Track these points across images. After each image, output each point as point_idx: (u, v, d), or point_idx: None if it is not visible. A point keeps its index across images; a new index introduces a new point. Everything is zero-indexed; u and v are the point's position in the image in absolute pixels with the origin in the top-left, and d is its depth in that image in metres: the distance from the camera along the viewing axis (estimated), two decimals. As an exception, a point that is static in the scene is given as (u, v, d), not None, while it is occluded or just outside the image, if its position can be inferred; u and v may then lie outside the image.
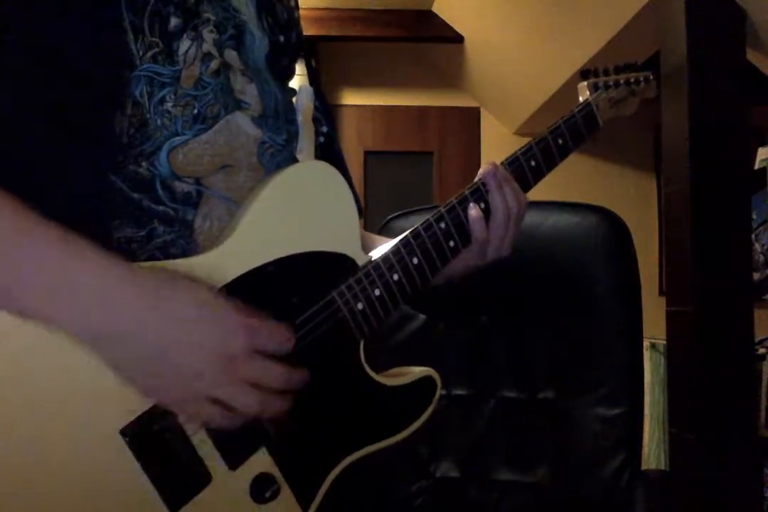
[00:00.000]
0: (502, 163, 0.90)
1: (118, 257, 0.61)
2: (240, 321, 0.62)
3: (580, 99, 1.00)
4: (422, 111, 3.82)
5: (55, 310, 0.57)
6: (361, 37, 3.42)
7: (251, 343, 0.62)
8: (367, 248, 0.84)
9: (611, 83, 1.02)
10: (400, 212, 1.33)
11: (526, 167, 0.91)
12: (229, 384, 0.61)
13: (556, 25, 2.68)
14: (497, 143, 3.77)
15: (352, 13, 3.40)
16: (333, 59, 3.64)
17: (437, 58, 3.75)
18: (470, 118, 3.84)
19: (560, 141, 0.94)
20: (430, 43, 3.54)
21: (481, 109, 3.84)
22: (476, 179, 0.89)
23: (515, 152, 0.91)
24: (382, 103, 3.80)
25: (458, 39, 3.38)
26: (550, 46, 2.83)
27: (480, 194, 0.87)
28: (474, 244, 0.86)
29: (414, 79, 3.80)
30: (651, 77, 1.07)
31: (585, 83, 1.01)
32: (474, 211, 0.85)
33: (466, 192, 0.87)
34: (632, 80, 1.04)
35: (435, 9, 3.39)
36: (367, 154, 3.75)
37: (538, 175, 0.93)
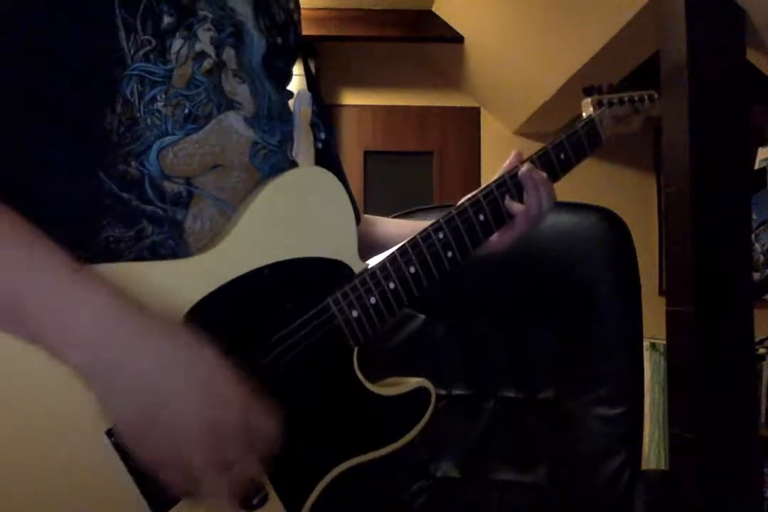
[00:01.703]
0: (503, 176, 0.91)
1: (128, 297, 0.60)
2: (240, 396, 0.61)
3: (584, 115, 1.01)
4: (422, 111, 3.81)
5: (57, 340, 0.56)
6: (361, 37, 3.41)
7: (244, 424, 0.60)
8: (377, 234, 0.83)
9: (615, 100, 1.02)
10: (400, 212, 1.34)
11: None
12: (202, 458, 0.59)
13: (556, 26, 2.68)
14: (497, 143, 3.76)
15: (352, 13, 3.39)
16: (333, 59, 3.64)
17: (437, 58, 3.75)
18: (470, 118, 3.84)
19: (562, 156, 0.95)
20: (430, 43, 3.53)
21: (481, 109, 3.84)
22: (484, 187, 0.90)
23: (517, 165, 0.92)
24: (382, 103, 3.80)
25: (458, 39, 3.38)
26: (550, 47, 2.83)
27: (480, 207, 0.87)
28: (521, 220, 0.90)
29: (414, 79, 3.80)
30: (655, 96, 1.07)
31: (589, 100, 1.01)
32: (509, 202, 0.90)
33: (467, 204, 0.87)
34: (636, 98, 1.04)
35: (435, 9, 3.39)
36: (367, 154, 3.75)
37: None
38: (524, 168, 0.90)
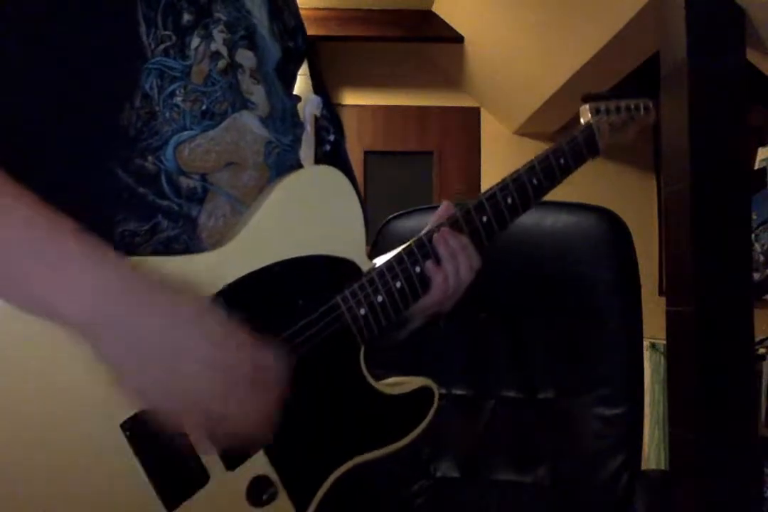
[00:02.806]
0: (505, 180, 0.90)
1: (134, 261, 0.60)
2: (246, 338, 0.62)
3: (582, 122, 1.01)
4: (422, 111, 3.81)
5: (58, 296, 0.57)
6: (361, 37, 3.41)
7: (254, 375, 0.61)
8: None
9: (613, 108, 1.02)
10: (400, 212, 1.34)
11: (528, 185, 0.91)
12: (221, 404, 0.60)
13: (556, 25, 2.68)
14: (497, 143, 3.76)
15: (352, 13, 3.40)
16: (333, 59, 3.64)
17: (437, 58, 3.75)
18: (470, 118, 3.84)
19: (562, 161, 0.94)
20: (430, 43, 3.53)
21: (481, 109, 3.84)
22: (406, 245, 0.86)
23: (518, 170, 0.91)
24: (382, 103, 3.80)
25: (458, 39, 3.38)
26: (550, 46, 2.83)
27: (401, 269, 0.83)
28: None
29: (414, 79, 3.80)
30: (651, 105, 1.07)
31: (587, 106, 1.01)
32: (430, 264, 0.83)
33: (470, 206, 0.87)
34: (632, 106, 1.05)
35: (435, 9, 3.39)
36: (367, 154, 3.75)
37: (539, 192, 0.93)
38: (439, 234, 0.84)
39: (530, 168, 0.91)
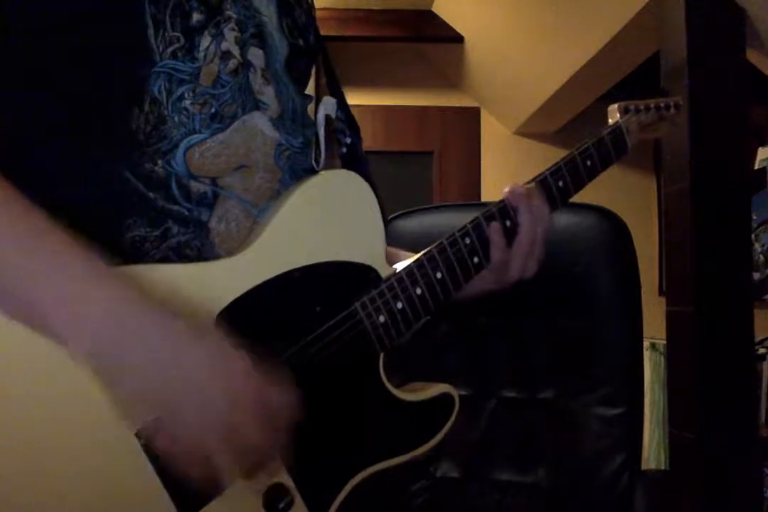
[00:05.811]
0: (531, 181, 0.89)
1: (139, 288, 0.59)
2: (254, 390, 0.60)
3: (610, 121, 1.00)
4: (422, 111, 3.81)
5: (65, 330, 0.56)
6: (361, 37, 3.41)
7: (259, 415, 0.60)
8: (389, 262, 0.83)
9: (642, 107, 1.01)
10: (400, 212, 1.33)
11: (554, 187, 0.91)
12: (220, 451, 0.59)
13: (556, 25, 2.68)
14: (497, 143, 3.76)
15: (352, 13, 3.39)
16: (333, 59, 3.64)
17: (437, 58, 3.75)
18: (470, 118, 3.84)
19: (589, 162, 0.93)
20: (430, 43, 3.53)
21: (481, 109, 3.84)
22: (504, 197, 0.88)
23: (544, 171, 0.90)
24: (382, 103, 3.80)
25: (458, 39, 3.37)
26: (550, 46, 2.83)
27: (506, 211, 0.86)
28: (492, 264, 0.85)
29: (414, 79, 3.80)
30: (680, 103, 1.07)
31: (615, 106, 1.00)
32: (495, 230, 0.85)
33: (494, 209, 0.86)
34: (662, 105, 1.04)
35: (435, 9, 3.39)
36: (367, 153, 3.74)
37: (566, 195, 0.92)
38: (522, 189, 0.87)
39: (556, 170, 0.91)
